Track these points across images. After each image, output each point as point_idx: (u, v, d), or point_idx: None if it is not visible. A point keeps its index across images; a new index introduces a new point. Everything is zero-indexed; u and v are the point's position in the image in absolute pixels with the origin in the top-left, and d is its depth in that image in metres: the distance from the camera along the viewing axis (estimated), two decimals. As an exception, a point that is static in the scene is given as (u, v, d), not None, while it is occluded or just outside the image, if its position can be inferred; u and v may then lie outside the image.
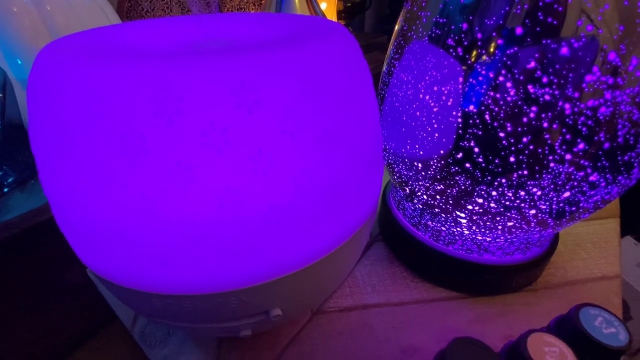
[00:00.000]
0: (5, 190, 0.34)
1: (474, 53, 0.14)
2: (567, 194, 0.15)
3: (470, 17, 0.14)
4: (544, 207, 0.16)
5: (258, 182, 0.11)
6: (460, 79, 0.15)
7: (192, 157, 0.10)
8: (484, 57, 0.14)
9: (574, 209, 0.16)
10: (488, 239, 0.20)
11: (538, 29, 0.13)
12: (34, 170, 0.36)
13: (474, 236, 0.20)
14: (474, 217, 0.18)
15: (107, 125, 0.10)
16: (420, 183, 0.19)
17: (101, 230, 0.11)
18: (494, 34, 0.13)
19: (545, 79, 0.13)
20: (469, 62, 0.14)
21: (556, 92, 0.13)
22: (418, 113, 0.17)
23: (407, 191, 0.21)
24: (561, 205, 0.16)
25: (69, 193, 0.11)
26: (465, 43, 0.14)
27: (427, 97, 0.16)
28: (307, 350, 0.20)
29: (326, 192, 0.13)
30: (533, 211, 0.16)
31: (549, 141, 0.14)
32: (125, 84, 0.10)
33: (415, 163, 0.18)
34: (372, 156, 0.15)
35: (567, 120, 0.13)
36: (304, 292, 0.15)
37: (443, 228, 0.21)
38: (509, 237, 0.19)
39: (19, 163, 0.35)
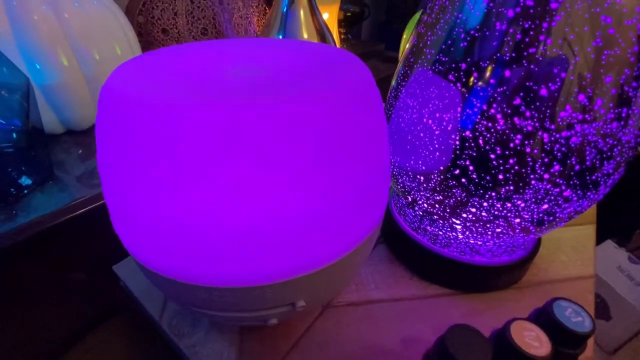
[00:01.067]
0: (25, 192, 0.35)
1: (470, 88, 0.17)
2: (545, 206, 0.18)
3: (468, 59, 0.17)
4: (526, 216, 0.19)
5: (290, 196, 0.14)
6: (459, 109, 0.17)
7: (245, 178, 0.13)
8: (478, 92, 0.17)
9: (551, 218, 0.19)
10: (479, 243, 0.23)
11: (522, 73, 0.15)
12: (51, 172, 0.38)
13: (467, 240, 0.23)
14: (468, 224, 0.21)
15: (182, 152, 0.12)
16: (421, 193, 0.22)
17: (166, 232, 0.14)
18: (486, 74, 0.16)
19: (527, 114, 0.16)
20: (466, 95, 0.17)
21: (536, 125, 0.16)
22: (422, 134, 0.20)
23: (409, 199, 0.24)
24: (541, 215, 0.19)
25: (139, 199, 0.14)
26: (463, 79, 0.17)
27: (430, 122, 0.19)
28: (319, 339, 0.23)
29: (350, 204, 0.15)
30: (517, 220, 0.19)
31: (530, 163, 0.17)
32: (197, 123, 0.12)
33: (418, 176, 0.21)
34: (385, 172, 0.18)
35: (545, 147, 0.16)
36: (325, 286, 0.18)
37: (440, 232, 0.24)
38: (497, 241, 0.22)
39: (38, 165, 0.37)
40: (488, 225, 0.20)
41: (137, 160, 0.13)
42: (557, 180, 0.17)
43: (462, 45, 0.17)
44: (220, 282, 0.15)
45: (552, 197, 0.18)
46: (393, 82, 0.23)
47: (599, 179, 0.18)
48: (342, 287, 0.22)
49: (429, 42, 0.19)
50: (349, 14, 0.72)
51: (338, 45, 0.62)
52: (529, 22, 0.15)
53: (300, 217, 0.14)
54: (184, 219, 0.13)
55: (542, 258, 0.28)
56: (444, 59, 0.18)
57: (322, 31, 0.49)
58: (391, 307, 0.25)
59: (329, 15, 0.61)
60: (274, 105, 0.13)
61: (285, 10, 0.46)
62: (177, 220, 0.13)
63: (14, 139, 0.34)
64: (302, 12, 0.47)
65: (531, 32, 0.15)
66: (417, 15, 0.53)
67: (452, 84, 0.17)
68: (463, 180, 0.19)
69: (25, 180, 0.36)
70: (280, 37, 0.48)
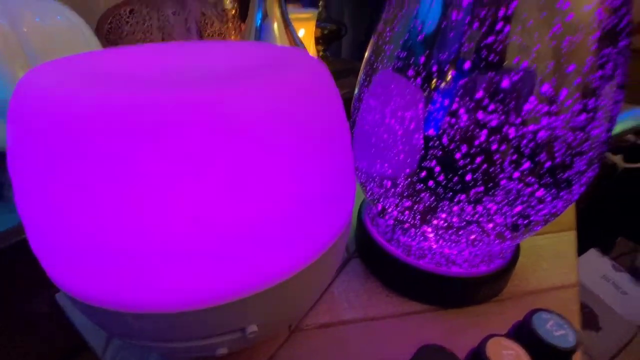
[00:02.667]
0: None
1: (431, 83, 0.16)
2: (518, 208, 0.17)
3: (427, 52, 0.16)
4: (499, 220, 0.18)
5: (229, 200, 0.12)
6: (420, 106, 0.16)
7: (169, 178, 0.11)
8: (439, 87, 0.15)
9: (526, 222, 0.18)
10: (454, 253, 0.21)
11: (482, 64, 0.14)
12: (0, 194, 0.35)
13: (441, 250, 0.22)
14: (440, 231, 0.19)
15: (90, 148, 0.11)
16: (390, 200, 0.20)
17: (79, 249, 0.12)
18: (446, 67, 0.15)
19: (491, 107, 0.15)
20: (427, 91, 0.16)
21: (501, 118, 0.15)
22: (385, 136, 0.18)
23: (379, 208, 0.22)
24: (514, 218, 0.18)
25: (49, 212, 0.12)
26: (423, 74, 0.16)
27: (392, 122, 0.18)
28: (285, 369, 0.20)
29: (295, 209, 0.13)
30: (491, 224, 0.18)
31: (498, 161, 0.16)
32: (109, 111, 0.10)
33: (385, 181, 0.20)
34: (341, 175, 0.16)
35: (512, 142, 0.15)
36: (279, 308, 0.16)
37: (413, 242, 0.22)
38: (472, 249, 0.21)
39: (-14, 185, 0.34)
40: (461, 232, 0.19)
41: (40, 164, 0.11)
42: (528, 179, 0.16)
43: (419, 38, 0.16)
44: (148, 306, 0.13)
45: (525, 198, 0.17)
46: (356, 87, 0.22)
47: (571, 177, 0.16)
48: (303, 307, 0.20)
49: (387, 39, 0.18)
50: (325, 32, 0.73)
51: (315, 60, 0.62)
52: (485, 11, 0.14)
53: (242, 226, 0.12)
54: (97, 232, 0.11)
55: (523, 267, 0.27)
56: (402, 54, 0.17)
57: (296, 45, 0.49)
58: (366, 328, 0.23)
59: (305, 32, 0.61)
60: (202, 96, 0.11)
61: (258, 24, 0.46)
62: (87, 234, 0.11)
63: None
64: (275, 26, 0.47)
65: (488, 21, 0.14)
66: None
67: (412, 80, 0.16)
68: (430, 183, 0.17)
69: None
70: (254, 51, 0.47)
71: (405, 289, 0.24)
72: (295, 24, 0.52)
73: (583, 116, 0.15)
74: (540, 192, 0.16)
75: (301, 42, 0.50)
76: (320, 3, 0.72)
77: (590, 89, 0.15)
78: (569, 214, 0.33)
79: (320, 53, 0.77)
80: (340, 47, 0.98)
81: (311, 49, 0.63)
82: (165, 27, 0.52)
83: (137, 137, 0.10)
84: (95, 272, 0.12)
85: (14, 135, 0.13)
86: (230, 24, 0.59)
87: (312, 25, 0.62)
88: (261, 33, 0.45)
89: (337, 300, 0.25)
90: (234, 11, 0.63)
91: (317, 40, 0.73)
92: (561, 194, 0.17)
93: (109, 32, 0.51)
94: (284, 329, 0.22)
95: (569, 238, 0.31)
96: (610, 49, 0.14)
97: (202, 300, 0.13)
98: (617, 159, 0.52)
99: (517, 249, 0.25)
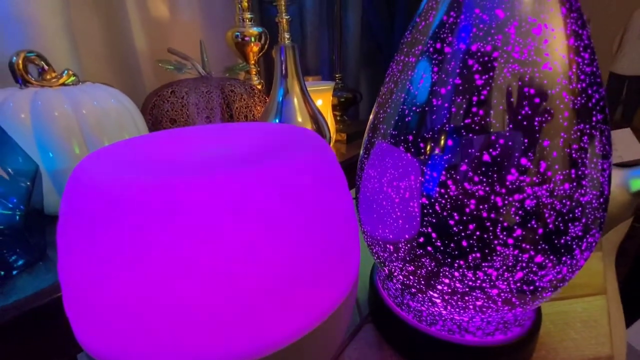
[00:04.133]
0: (14, 272, 0.36)
1: (421, 157, 0.18)
2: (519, 274, 0.17)
3: (414, 132, 0.18)
4: (503, 286, 0.18)
5: (236, 270, 0.13)
6: (412, 177, 0.18)
7: (185, 252, 0.13)
8: (428, 162, 0.17)
9: (531, 288, 0.18)
10: (465, 319, 0.21)
11: (463, 141, 0.16)
12: (44, 253, 0.39)
13: (451, 316, 0.21)
14: (446, 297, 0.19)
15: (124, 226, 0.13)
16: (394, 264, 0.21)
17: (107, 315, 0.13)
18: (432, 144, 0.17)
19: (476, 179, 0.16)
20: (417, 164, 0.18)
21: (487, 189, 0.16)
22: (384, 202, 0.20)
23: (386, 271, 0.23)
24: (518, 284, 0.17)
25: (85, 280, 0.14)
26: (412, 150, 0.18)
27: (389, 190, 0.19)
28: None
29: (296, 275, 0.15)
30: (495, 290, 0.18)
31: (491, 228, 0.16)
32: (138, 195, 0.13)
33: (388, 245, 0.21)
34: (343, 244, 0.17)
35: (501, 210, 0.16)
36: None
37: (423, 308, 0.22)
38: (483, 316, 0.20)
39: (31, 246, 0.38)
40: (467, 298, 0.19)
41: (85, 237, 0.14)
42: (523, 245, 0.16)
43: (407, 120, 0.18)
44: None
45: (524, 264, 0.17)
46: (359, 159, 0.24)
47: (569, 242, 0.17)
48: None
49: (381, 119, 0.20)
50: (342, 100, 0.80)
51: (332, 125, 0.67)
52: (460, 97, 0.16)
53: (240, 293, 0.14)
54: (124, 300, 0.13)
55: (549, 336, 0.25)
56: (394, 132, 0.19)
57: (314, 115, 0.54)
58: (379, 402, 0.22)
59: (323, 101, 0.67)
60: (218, 182, 0.13)
61: (280, 100, 0.52)
62: (119, 303, 0.13)
63: (15, 221, 0.36)
64: (295, 100, 0.53)
65: (464, 106, 0.16)
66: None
67: (403, 154, 0.18)
68: (429, 248, 0.18)
69: (18, 261, 0.36)
70: (277, 121, 0.53)
71: (419, 358, 0.23)
72: (313, 96, 0.57)
73: (567, 185, 0.16)
74: (539, 258, 0.17)
75: (319, 112, 0.55)
76: (337, 76, 0.80)
77: (570, 160, 0.16)
78: (598, 277, 0.31)
79: (338, 117, 0.83)
80: (358, 110, 1.05)
81: (329, 116, 0.68)
82: (200, 103, 0.60)
83: (159, 216, 0.13)
84: (120, 336, 0.14)
85: (66, 210, 0.15)
86: (257, 98, 0.66)
87: (329, 95, 0.68)
88: (282, 107, 0.50)
89: (349, 370, 0.24)
90: (260, 86, 0.71)
91: (335, 107, 0.80)
92: (563, 259, 0.17)
93: (153, 108, 0.59)
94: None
95: (600, 303, 0.29)
96: (583, 125, 0.16)
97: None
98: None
99: (538, 316, 0.24)
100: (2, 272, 0.35)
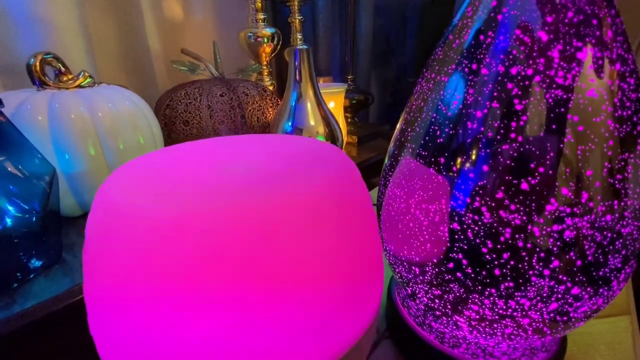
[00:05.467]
0: (31, 276, 0.36)
1: (452, 182, 0.17)
2: (554, 305, 0.17)
3: (446, 154, 0.17)
4: (535, 316, 0.17)
5: (268, 298, 0.13)
6: (443, 201, 0.17)
7: (215, 282, 0.13)
8: (460, 186, 0.17)
9: (565, 318, 0.17)
10: (491, 344, 0.20)
11: (500, 168, 0.16)
12: (60, 256, 0.39)
13: (476, 340, 0.21)
14: (472, 323, 0.19)
15: (153, 255, 0.13)
16: (419, 286, 0.20)
17: (131, 337, 0.13)
18: (466, 168, 0.16)
19: (512, 207, 0.15)
20: (448, 188, 0.17)
21: (524, 218, 0.15)
22: (411, 224, 0.19)
23: (409, 291, 0.22)
24: (551, 315, 0.17)
25: (111, 302, 0.14)
26: (444, 172, 0.17)
27: (417, 212, 0.19)
28: None
29: (327, 303, 0.14)
30: (526, 320, 0.17)
31: (526, 258, 0.16)
32: (168, 226, 0.13)
33: (413, 267, 0.20)
34: (369, 267, 0.17)
35: (539, 240, 0.15)
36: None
37: (446, 330, 0.22)
38: (510, 342, 0.20)
39: (48, 248, 0.38)
40: (495, 325, 0.18)
41: (108, 261, 0.13)
42: (560, 276, 0.16)
43: (438, 141, 0.18)
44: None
45: (560, 295, 0.16)
46: (382, 173, 0.24)
47: (607, 274, 0.16)
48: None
49: (409, 137, 0.20)
50: (354, 102, 0.79)
51: (344, 128, 0.66)
52: (497, 122, 0.15)
53: (273, 321, 0.13)
54: (146, 325, 0.13)
55: (573, 359, 0.25)
56: (424, 152, 0.18)
57: (327, 118, 0.53)
58: (398, 423, 0.21)
59: (335, 104, 0.66)
60: (244, 213, 0.13)
61: (293, 104, 0.51)
62: (140, 325, 0.13)
63: (32, 223, 0.36)
64: (309, 105, 0.52)
65: (502, 131, 0.15)
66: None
67: (434, 176, 0.18)
68: (458, 274, 0.18)
69: (34, 264, 0.37)
70: (290, 124, 0.52)
71: (440, 379, 0.23)
72: (326, 98, 0.57)
73: (609, 217, 0.15)
74: (575, 290, 0.16)
75: (332, 114, 0.54)
76: (349, 77, 0.79)
77: (612, 191, 0.15)
78: (621, 297, 0.30)
79: (349, 119, 0.82)
80: (368, 112, 1.04)
81: (340, 118, 0.68)
82: (213, 105, 0.60)
83: (189, 245, 0.12)
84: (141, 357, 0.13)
85: (91, 233, 0.15)
86: (269, 100, 0.66)
87: (341, 97, 0.68)
88: (295, 111, 0.50)
89: (367, 388, 0.24)
90: (272, 87, 0.71)
91: (346, 109, 0.79)
92: (600, 291, 0.16)
93: (166, 109, 0.58)
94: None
95: (624, 324, 0.28)
96: (627, 154, 0.15)
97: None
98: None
99: (564, 341, 0.23)
100: (19, 275, 0.35)
